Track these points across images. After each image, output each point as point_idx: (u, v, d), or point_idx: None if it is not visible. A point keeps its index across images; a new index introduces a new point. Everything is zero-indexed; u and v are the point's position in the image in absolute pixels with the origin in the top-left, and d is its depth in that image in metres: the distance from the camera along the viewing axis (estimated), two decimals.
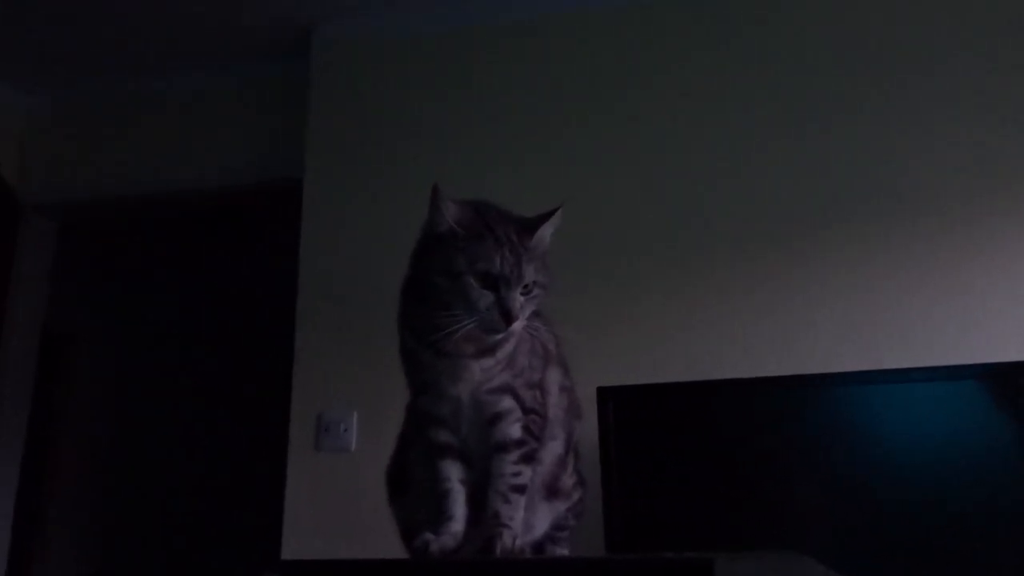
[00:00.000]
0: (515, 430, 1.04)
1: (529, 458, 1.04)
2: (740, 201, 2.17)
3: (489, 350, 1.03)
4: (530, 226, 1.04)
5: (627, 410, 1.69)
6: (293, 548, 2.18)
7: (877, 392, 1.74)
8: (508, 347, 1.05)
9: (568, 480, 1.14)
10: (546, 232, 1.06)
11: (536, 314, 1.06)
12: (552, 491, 1.10)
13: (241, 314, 2.76)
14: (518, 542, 0.99)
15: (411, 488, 1.15)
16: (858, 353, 1.91)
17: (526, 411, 1.05)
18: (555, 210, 1.08)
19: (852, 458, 1.71)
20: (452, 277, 1.00)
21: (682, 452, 1.66)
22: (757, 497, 1.67)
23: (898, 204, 2.07)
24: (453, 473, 1.05)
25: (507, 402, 1.04)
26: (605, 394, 1.69)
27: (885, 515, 1.65)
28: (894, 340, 1.92)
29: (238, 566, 2.11)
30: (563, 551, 1.10)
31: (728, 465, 1.73)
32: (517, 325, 0.99)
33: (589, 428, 1.67)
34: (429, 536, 1.01)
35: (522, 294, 1.00)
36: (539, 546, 1.09)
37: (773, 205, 2.15)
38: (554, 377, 1.13)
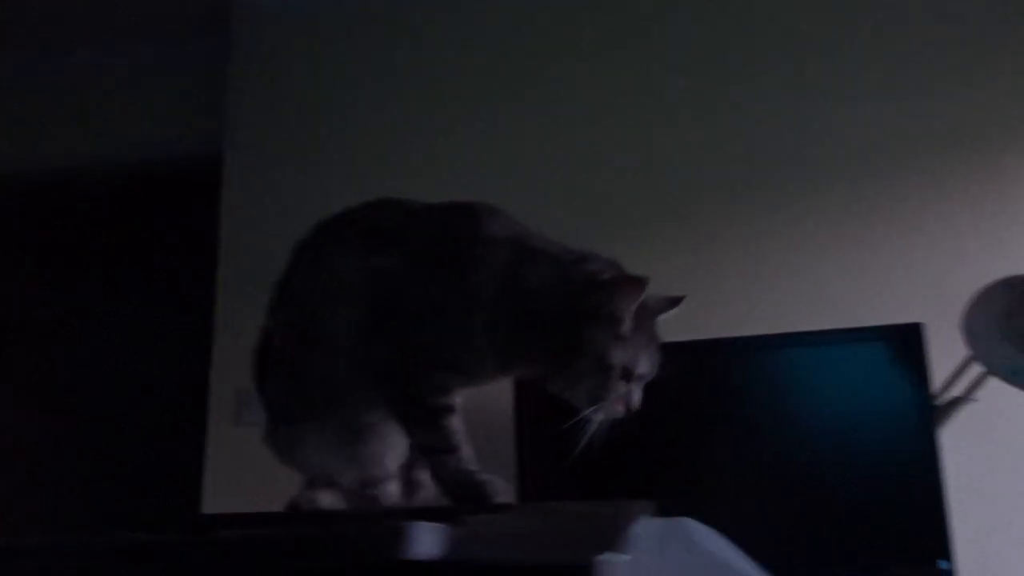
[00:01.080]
0: None
1: None
2: (646, 172, 2.20)
3: None
4: (661, 314, 0.97)
5: None
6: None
7: (785, 355, 1.78)
8: None
9: None
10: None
11: None
12: None
13: (162, 290, 2.72)
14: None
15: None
16: (766, 317, 1.96)
17: None
18: (679, 300, 1.00)
19: (762, 419, 1.75)
20: (601, 366, 0.90)
21: None
22: (666, 459, 1.71)
23: (805, 173, 2.12)
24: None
25: None
26: None
27: (794, 474, 1.69)
28: (801, 304, 1.97)
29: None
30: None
31: (637, 428, 1.76)
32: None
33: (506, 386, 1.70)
34: None
35: None
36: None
37: (681, 175, 2.18)
38: None
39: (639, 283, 0.89)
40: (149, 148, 2.65)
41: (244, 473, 2.20)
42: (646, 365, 0.92)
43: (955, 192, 2.03)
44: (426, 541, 0.38)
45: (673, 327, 1.89)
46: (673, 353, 1.73)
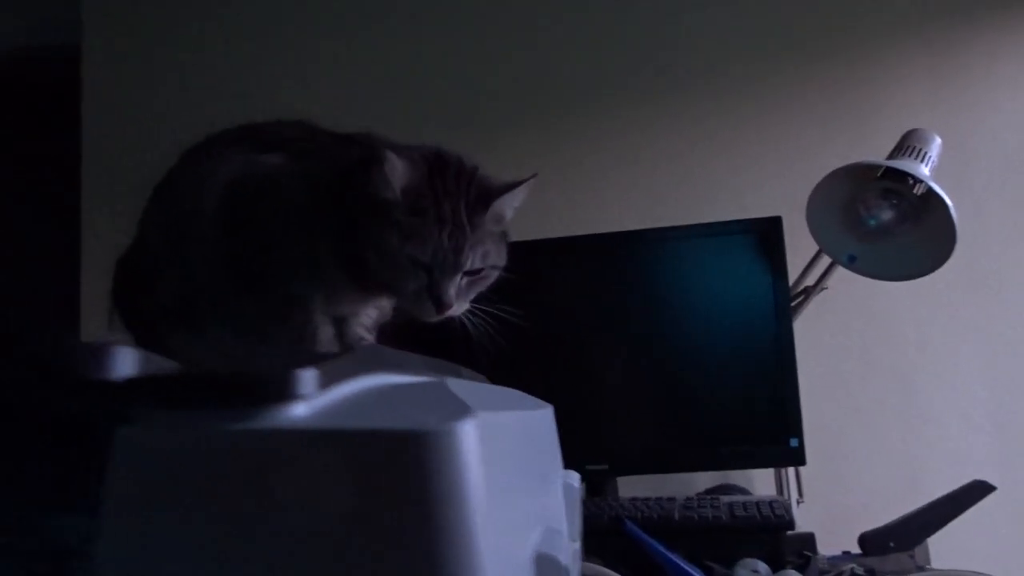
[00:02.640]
0: None
1: None
2: (528, 68, 2.18)
3: None
4: (485, 200, 0.86)
5: None
6: None
7: (650, 249, 1.83)
8: None
9: None
10: (505, 206, 0.88)
11: None
12: None
13: (22, 197, 2.56)
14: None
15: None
16: (638, 212, 2.00)
17: None
18: (520, 183, 0.89)
19: (628, 311, 1.80)
20: (381, 254, 0.83)
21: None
22: (536, 349, 1.75)
23: (678, 69, 2.13)
24: None
25: None
26: None
27: (658, 363, 1.75)
28: (667, 199, 2.02)
29: None
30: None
31: (520, 324, 1.79)
32: (455, 312, 0.86)
33: None
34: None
35: (467, 275, 0.86)
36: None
37: (559, 72, 2.17)
38: None
39: (380, 159, 0.81)
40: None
41: None
42: (438, 254, 0.82)
43: (815, 85, 2.08)
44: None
45: (539, 224, 1.91)
46: (538, 249, 1.78)
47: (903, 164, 1.32)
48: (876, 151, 1.84)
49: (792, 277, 1.67)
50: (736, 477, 1.85)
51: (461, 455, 0.32)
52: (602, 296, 1.79)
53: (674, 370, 1.74)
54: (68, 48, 2.29)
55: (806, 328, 1.73)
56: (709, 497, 1.70)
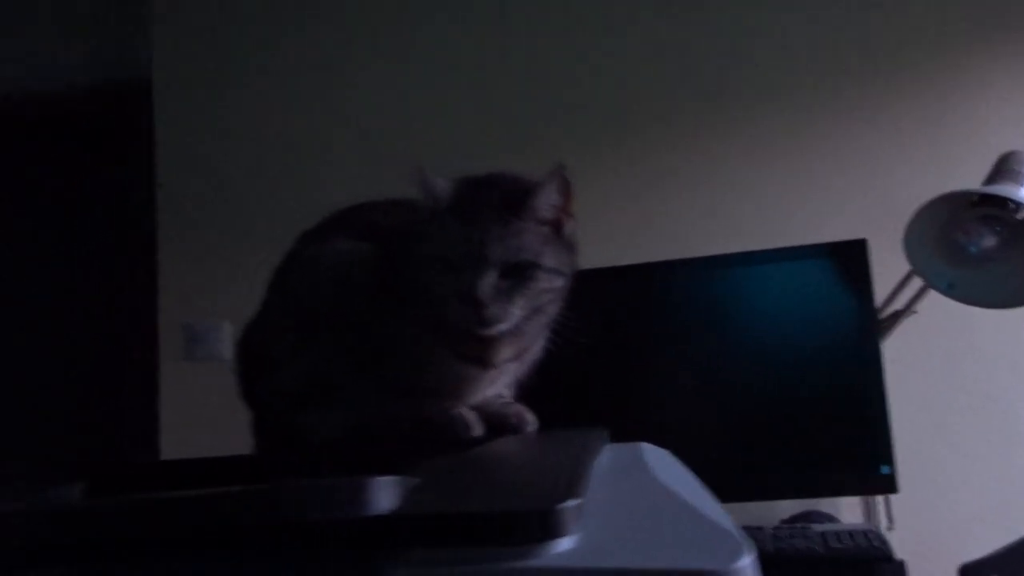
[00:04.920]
0: None
1: None
2: (598, 92, 2.17)
3: None
4: (512, 197, 0.80)
5: None
6: (168, 452, 2.16)
7: (732, 274, 1.80)
8: None
9: None
10: (538, 203, 0.80)
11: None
12: None
13: (95, 225, 2.62)
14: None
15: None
16: (711, 238, 1.98)
17: None
18: (549, 176, 0.81)
19: (711, 338, 1.78)
20: (420, 271, 0.80)
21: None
22: (616, 382, 1.73)
23: (748, 91, 2.11)
24: None
25: None
26: None
27: (742, 389, 1.73)
28: (747, 224, 1.99)
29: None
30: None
31: (591, 351, 1.78)
32: (499, 319, 0.77)
33: None
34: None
35: (508, 277, 0.78)
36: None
37: (630, 95, 2.15)
38: None
39: (416, 171, 0.79)
40: (74, 72, 2.52)
41: (198, 409, 2.20)
42: (462, 247, 0.77)
43: (899, 107, 2.04)
44: (382, 496, 0.36)
45: (619, 250, 1.91)
46: (620, 276, 1.77)
47: (1001, 189, 1.29)
48: (963, 172, 1.81)
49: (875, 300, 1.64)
50: (821, 503, 1.82)
51: None
52: (676, 324, 1.77)
53: (759, 397, 1.71)
54: (139, 81, 2.34)
55: (893, 351, 1.69)
56: (799, 526, 1.68)
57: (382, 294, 0.83)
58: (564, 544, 0.34)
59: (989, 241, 1.36)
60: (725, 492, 1.71)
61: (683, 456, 1.77)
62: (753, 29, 2.13)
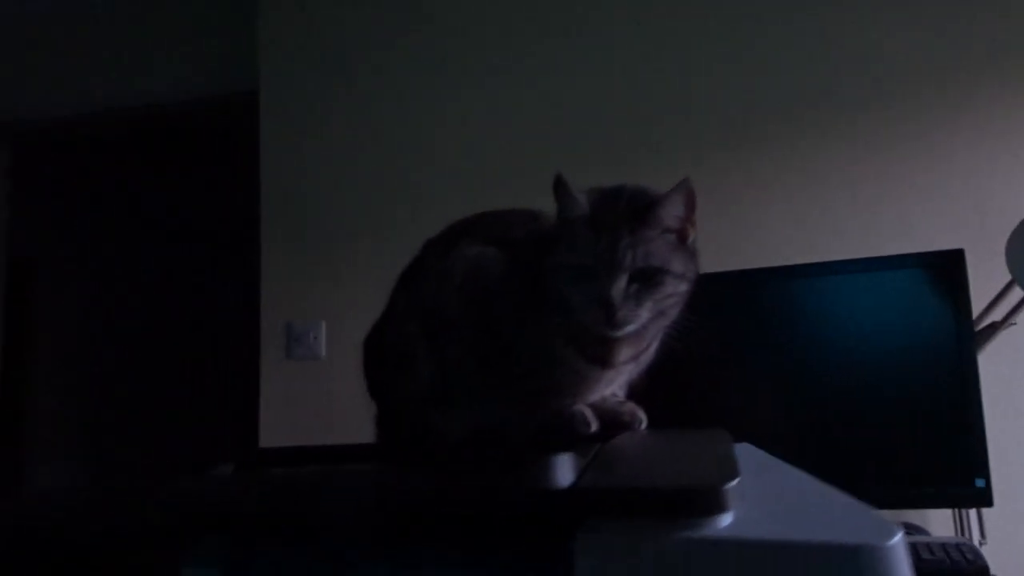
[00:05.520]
0: None
1: None
2: (688, 102, 2.19)
3: None
4: (641, 207, 0.85)
5: None
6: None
7: (829, 283, 1.80)
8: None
9: None
10: (663, 213, 0.85)
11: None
12: None
13: (206, 231, 2.75)
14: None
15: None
16: (804, 247, 1.98)
17: None
18: (672, 190, 0.85)
19: (807, 346, 1.78)
20: (554, 277, 0.85)
21: None
22: (713, 389, 1.75)
23: (839, 104, 2.10)
24: None
25: None
26: None
27: (837, 398, 1.73)
28: (837, 233, 1.99)
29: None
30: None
31: (683, 357, 1.80)
32: (628, 321, 0.82)
33: None
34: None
35: (637, 282, 0.83)
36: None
37: (721, 106, 2.17)
38: None
39: (557, 181, 0.85)
40: (183, 87, 2.67)
41: (295, 405, 2.31)
42: (595, 254, 0.82)
43: (990, 117, 2.01)
44: (565, 471, 0.41)
45: (715, 257, 1.93)
46: (715, 282, 1.78)
47: None
48: None
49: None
50: (910, 515, 1.81)
51: (898, 571, 0.35)
52: (773, 332, 1.78)
53: (853, 407, 1.71)
54: (246, 89, 2.46)
55: (988, 363, 1.67)
56: None
57: (511, 298, 0.89)
58: (726, 519, 0.38)
59: None
60: None
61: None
62: (847, 36, 2.12)
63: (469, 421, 0.91)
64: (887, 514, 1.80)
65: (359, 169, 2.40)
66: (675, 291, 0.86)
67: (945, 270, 1.67)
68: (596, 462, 0.46)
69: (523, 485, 0.40)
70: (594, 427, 0.86)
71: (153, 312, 3.11)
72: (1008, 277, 1.61)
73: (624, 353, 0.89)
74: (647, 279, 0.84)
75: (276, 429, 2.29)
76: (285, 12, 2.50)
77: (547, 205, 0.95)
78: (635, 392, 0.96)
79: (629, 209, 0.85)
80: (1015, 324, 1.61)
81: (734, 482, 0.40)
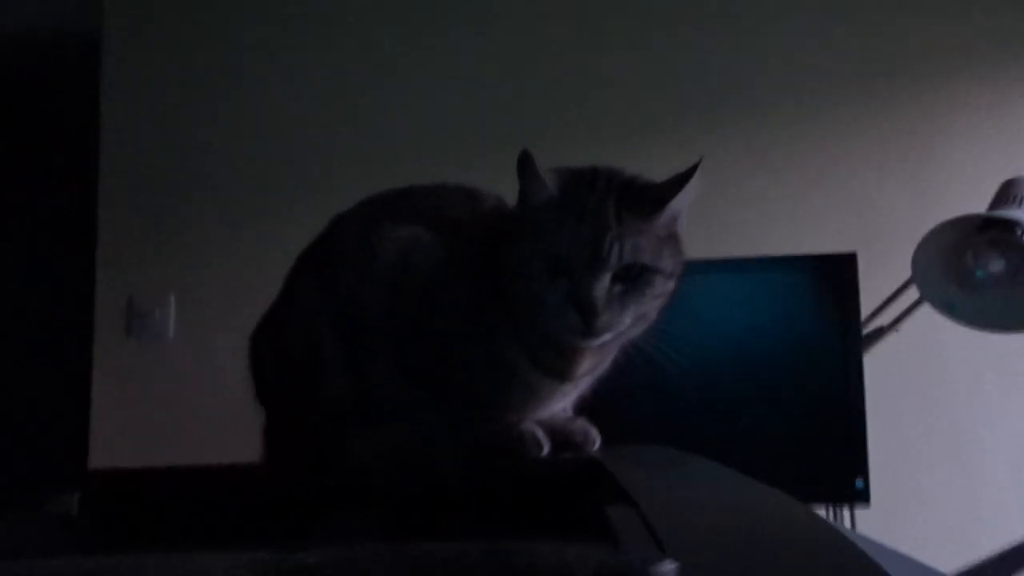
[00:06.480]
0: None
1: None
2: (597, 95, 2.10)
3: None
4: (638, 196, 0.73)
5: None
6: (102, 446, 1.99)
7: (713, 281, 1.78)
8: None
9: None
10: (677, 201, 0.75)
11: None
12: None
13: (30, 186, 2.40)
14: None
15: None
16: (695, 243, 1.95)
17: None
18: (684, 174, 0.75)
19: (686, 346, 1.74)
20: (519, 267, 0.71)
21: None
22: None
23: (743, 99, 2.08)
24: None
25: None
26: None
27: (722, 395, 1.72)
28: (732, 232, 1.97)
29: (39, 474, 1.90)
30: None
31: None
32: (609, 328, 0.70)
33: None
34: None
35: (620, 282, 0.71)
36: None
37: (618, 99, 2.09)
38: None
39: (523, 157, 0.72)
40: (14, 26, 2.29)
41: (136, 394, 2.04)
42: (575, 246, 0.70)
43: (887, 122, 2.05)
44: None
45: None
46: None
47: (1008, 213, 1.29)
48: (956, 191, 1.83)
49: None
50: None
51: None
52: (660, 328, 1.73)
53: (738, 403, 1.69)
54: (88, 33, 2.14)
55: (872, 366, 1.69)
56: None
57: (453, 295, 0.75)
58: None
59: (996, 266, 1.37)
60: None
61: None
62: (749, 37, 2.10)
63: (390, 440, 0.76)
64: None
65: (218, 119, 2.14)
66: (663, 291, 0.75)
67: (837, 273, 1.68)
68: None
69: None
70: (546, 449, 0.74)
71: None
72: (898, 282, 1.64)
73: (585, 365, 0.77)
74: (634, 279, 0.71)
75: (111, 423, 2.00)
76: None
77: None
78: (584, 405, 0.85)
79: (618, 195, 0.73)
80: (899, 331, 1.64)
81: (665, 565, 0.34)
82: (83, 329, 2.04)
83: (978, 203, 1.54)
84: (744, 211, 2.00)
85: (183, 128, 2.15)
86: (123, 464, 1.92)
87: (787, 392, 1.69)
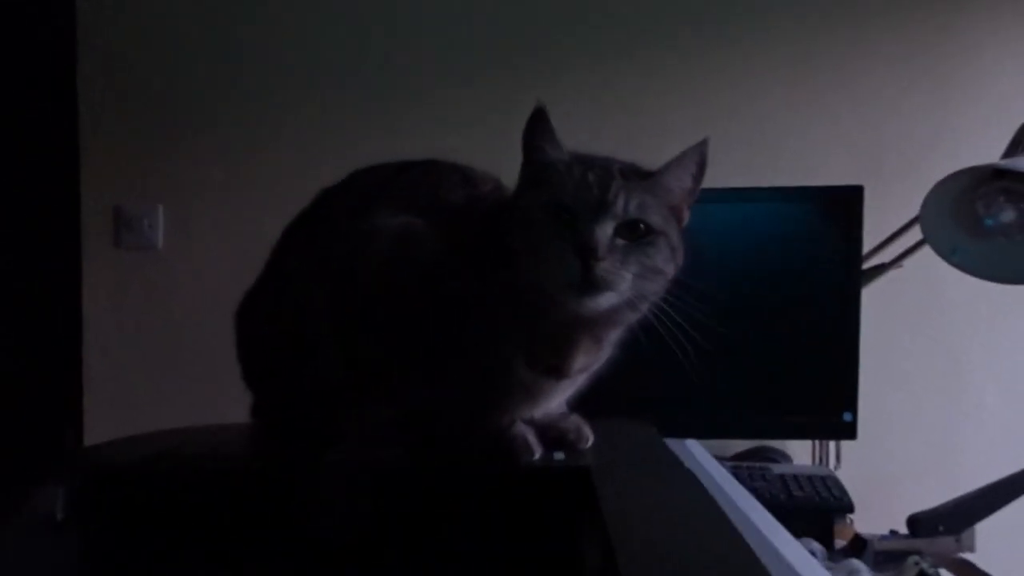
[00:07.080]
0: None
1: None
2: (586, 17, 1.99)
3: None
4: (645, 172, 0.73)
5: None
6: (95, 367, 2.00)
7: (717, 209, 1.74)
8: None
9: None
10: (673, 173, 0.73)
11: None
12: None
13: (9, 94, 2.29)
14: None
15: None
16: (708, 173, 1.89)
17: None
18: (690, 151, 0.73)
19: (687, 272, 1.72)
20: (522, 221, 0.69)
21: None
22: None
23: (750, 30, 1.97)
24: None
25: None
26: None
27: (710, 326, 1.70)
28: (738, 162, 1.91)
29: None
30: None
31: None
32: (609, 280, 0.66)
33: None
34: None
35: (623, 238, 0.68)
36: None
37: (626, 19, 1.98)
38: None
39: (536, 114, 0.71)
40: None
41: (126, 304, 2.02)
42: (580, 192, 0.68)
43: (897, 55, 1.95)
44: None
45: None
46: None
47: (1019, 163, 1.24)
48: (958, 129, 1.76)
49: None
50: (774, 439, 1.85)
51: None
52: None
53: (734, 335, 1.68)
54: None
55: (869, 301, 1.68)
56: (758, 467, 1.70)
57: (447, 289, 0.71)
58: None
59: (1007, 215, 1.32)
60: (686, 427, 1.71)
61: (643, 389, 1.74)
62: None
63: (380, 421, 0.75)
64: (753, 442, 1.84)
65: (207, 23, 2.03)
66: (664, 267, 0.71)
67: (842, 205, 1.63)
68: None
69: None
70: (537, 454, 0.73)
71: None
72: (903, 219, 1.59)
73: (580, 359, 0.74)
74: (638, 236, 0.68)
75: (102, 331, 2.00)
76: None
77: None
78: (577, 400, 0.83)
79: (624, 165, 0.72)
80: (901, 267, 1.61)
81: None
82: (69, 239, 2.00)
83: (996, 141, 1.48)
84: (748, 139, 1.93)
85: (172, 34, 2.04)
86: (118, 400, 1.94)
87: (783, 323, 1.67)
